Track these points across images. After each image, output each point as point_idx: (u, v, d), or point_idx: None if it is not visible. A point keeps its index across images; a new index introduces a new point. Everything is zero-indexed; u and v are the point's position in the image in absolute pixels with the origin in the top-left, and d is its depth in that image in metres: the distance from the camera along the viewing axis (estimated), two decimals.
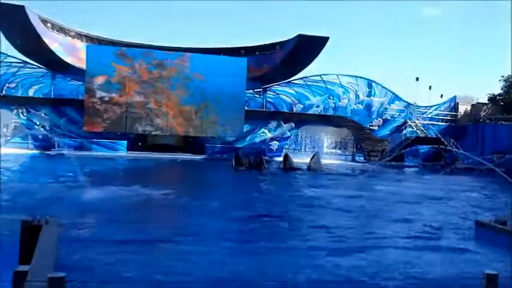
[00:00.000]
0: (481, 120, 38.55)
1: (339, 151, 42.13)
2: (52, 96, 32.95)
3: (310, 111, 36.64)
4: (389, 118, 37.83)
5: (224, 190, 17.18)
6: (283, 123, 36.42)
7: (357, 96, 37.37)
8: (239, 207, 12.97)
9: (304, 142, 39.95)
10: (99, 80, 31.71)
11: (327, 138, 39.03)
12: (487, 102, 40.88)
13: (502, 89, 40.63)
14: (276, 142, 36.31)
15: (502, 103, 39.64)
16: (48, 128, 32.39)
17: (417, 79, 37.82)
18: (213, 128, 33.79)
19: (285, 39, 34.43)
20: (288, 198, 15.64)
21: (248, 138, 35.88)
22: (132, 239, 8.70)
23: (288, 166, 26.53)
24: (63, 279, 3.53)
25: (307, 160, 27.90)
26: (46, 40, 30.86)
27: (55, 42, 32.11)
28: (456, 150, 30.86)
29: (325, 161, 31.23)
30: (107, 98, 31.94)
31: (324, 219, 11.64)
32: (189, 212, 12.25)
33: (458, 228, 11.15)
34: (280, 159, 29.30)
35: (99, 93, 31.75)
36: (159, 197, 14.10)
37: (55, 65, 32.35)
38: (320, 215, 12.39)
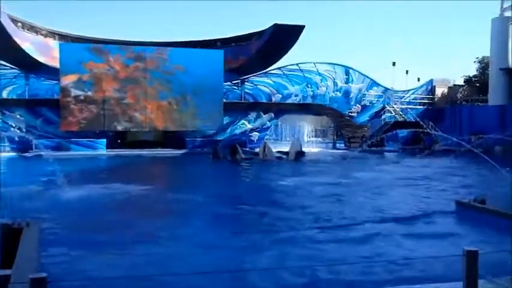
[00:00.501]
0: (457, 102, 39.22)
1: (319, 139, 42.38)
2: (26, 97, 32.39)
3: (289, 101, 36.74)
4: (367, 104, 38.09)
5: (199, 184, 17.08)
6: (262, 114, 36.49)
7: (335, 83, 37.52)
8: (213, 200, 13.02)
9: (284, 132, 40.14)
10: (74, 78, 31.18)
11: (307, 126, 39.03)
12: (463, 84, 41.55)
13: (477, 70, 41.38)
14: (256, 133, 36.33)
15: (477, 84, 40.35)
16: (24, 130, 31.83)
17: (394, 64, 38.19)
18: (192, 121, 33.62)
19: (262, 29, 34.30)
20: (263, 188, 15.69)
21: (228, 130, 35.84)
22: (112, 239, 8.56)
23: (265, 156, 26.57)
24: (45, 279, 3.52)
25: (287, 149, 27.97)
26: (17, 40, 30.23)
27: (26, 42, 31.50)
28: (434, 132, 31.24)
29: (305, 149, 31.25)
30: (82, 97, 31.46)
31: (298, 208, 11.75)
32: (168, 208, 12.22)
33: (439, 209, 11.32)
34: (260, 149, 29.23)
35: (74, 92, 31.25)
36: (139, 193, 14.06)
37: (28, 64, 31.77)
38: (295, 204, 12.46)
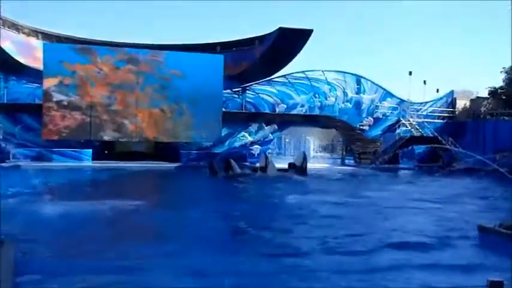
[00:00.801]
0: (481, 116, 38.79)
1: (327, 154, 42.34)
2: (5, 101, 32.32)
3: (294, 112, 36.64)
4: (381, 117, 38.02)
5: (193, 202, 16.69)
6: (264, 125, 36.42)
7: (345, 93, 37.48)
8: (206, 220, 12.85)
9: (288, 145, 40.09)
10: (57, 81, 31.12)
11: (313, 140, 39.22)
12: (488, 96, 41.12)
13: (503, 81, 40.75)
14: (258, 146, 36.22)
15: (503, 97, 39.82)
16: (1, 137, 31.78)
17: (410, 73, 38.03)
18: (187, 132, 33.60)
19: (265, 33, 34.38)
20: (262, 207, 15.54)
21: (227, 142, 35.77)
22: (93, 266, 8.35)
23: (266, 171, 26.34)
24: None
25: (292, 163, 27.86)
26: None
27: (6, 40, 31.47)
28: (455, 149, 31.05)
29: (311, 165, 31.11)
30: (65, 102, 31.41)
31: (301, 230, 11.57)
32: (157, 228, 12.05)
33: (458, 235, 11.10)
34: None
35: (58, 97, 31.22)
36: (128, 211, 13.82)
37: (7, 66, 31.73)
38: (296, 226, 12.23)
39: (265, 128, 36.51)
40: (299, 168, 26.94)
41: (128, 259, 8.51)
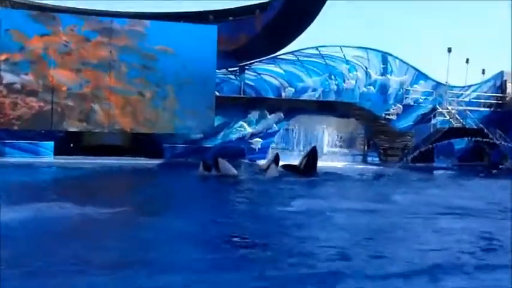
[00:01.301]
0: None
1: (344, 150, 42.01)
2: None
3: (305, 97, 36.41)
4: (412, 104, 37.85)
5: (179, 207, 16.48)
6: (268, 113, 36.32)
7: (368, 75, 37.30)
8: (194, 231, 12.38)
9: (296, 138, 39.90)
10: (7, 57, 30.63)
11: (328, 132, 39.21)
12: None
13: None
14: (259, 139, 36.11)
15: None
16: None
17: (449, 50, 37.59)
18: (172, 121, 33.36)
19: None
20: (264, 216, 15.21)
21: (221, 134, 35.58)
22: None
23: (267, 171, 26.26)
24: None
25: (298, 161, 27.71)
26: None
27: None
28: (505, 144, 31.14)
29: (325, 163, 31.02)
30: (18, 85, 30.87)
31: (310, 247, 10.93)
32: (133, 242, 11.35)
33: (505, 255, 10.56)
34: (263, 161, 29.29)
35: (9, 78, 30.74)
36: (97, 219, 13.25)
37: None
38: (306, 241, 11.61)
39: (269, 116, 36.38)
40: (307, 167, 26.63)
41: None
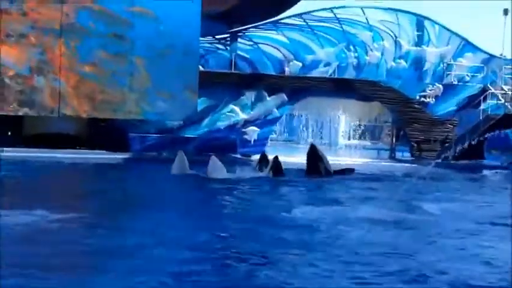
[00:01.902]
0: None
1: (366, 143, 42.08)
2: None
3: (315, 74, 36.29)
4: (455, 83, 37.77)
5: (150, 216, 15.94)
6: (266, 94, 36.05)
7: (398, 45, 37.24)
8: (172, 247, 11.89)
9: (304, 127, 39.82)
10: None
11: (344, 120, 39.20)
12: None
13: None
14: (255, 128, 35.95)
15: None
16: None
17: (505, 12, 37.71)
18: (142, 104, 33.16)
19: None
20: (262, 228, 14.57)
21: (205, 121, 35.45)
22: None
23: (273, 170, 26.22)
24: None
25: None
26: None
27: None
28: None
29: (341, 160, 30.95)
30: None
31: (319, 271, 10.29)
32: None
33: None
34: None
35: None
36: (46, 228, 13.09)
37: None
38: (314, 264, 10.92)
39: (268, 99, 36.11)
40: (312, 166, 26.67)
41: None
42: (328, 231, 14.09)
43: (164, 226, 14.59)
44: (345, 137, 38.64)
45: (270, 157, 27.34)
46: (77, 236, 12.61)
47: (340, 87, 36.43)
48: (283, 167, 26.74)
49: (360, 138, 40.31)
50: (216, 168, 25.16)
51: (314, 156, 26.92)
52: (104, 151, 32.64)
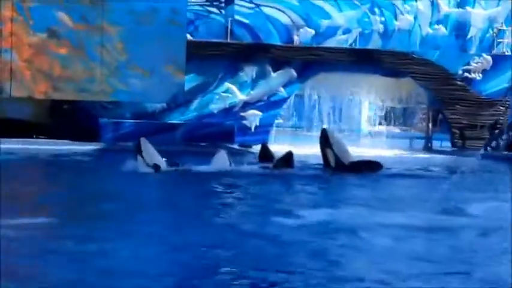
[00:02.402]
0: None
1: (395, 130, 42.22)
2: None
3: (331, 43, 36.38)
4: (508, 53, 37.52)
5: (128, 223, 15.88)
6: (271, 70, 35.91)
7: (436, 6, 37.17)
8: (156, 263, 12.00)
9: (317, 111, 40.00)
10: None
11: (368, 101, 39.30)
12: None
13: None
14: (257, 112, 35.93)
15: None
16: None
17: None
18: (116, 83, 33.43)
19: None
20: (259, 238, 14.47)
21: (194, 104, 35.57)
22: None
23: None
24: None
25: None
26: None
27: None
28: None
29: (364, 151, 30.79)
30: None
31: None
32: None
33: None
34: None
35: None
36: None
37: None
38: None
39: (272, 75, 35.98)
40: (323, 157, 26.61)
41: None
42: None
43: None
44: (369, 122, 38.77)
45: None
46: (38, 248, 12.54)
47: (363, 60, 36.33)
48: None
49: (387, 124, 40.38)
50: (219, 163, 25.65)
51: (324, 143, 26.93)
52: (68, 141, 32.54)
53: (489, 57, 37.28)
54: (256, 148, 32.66)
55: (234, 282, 11.06)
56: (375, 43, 36.93)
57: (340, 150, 26.63)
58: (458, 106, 37.94)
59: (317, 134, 34.64)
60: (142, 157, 25.24)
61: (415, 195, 22.14)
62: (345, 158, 26.51)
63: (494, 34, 37.66)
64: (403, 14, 37.15)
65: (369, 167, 26.90)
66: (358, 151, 29.79)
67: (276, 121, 37.11)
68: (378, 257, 12.73)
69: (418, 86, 39.21)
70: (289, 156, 26.87)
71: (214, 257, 12.68)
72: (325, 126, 36.44)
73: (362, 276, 11.28)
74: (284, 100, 36.96)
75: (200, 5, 35.61)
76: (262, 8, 36.18)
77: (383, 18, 36.96)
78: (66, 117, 34.41)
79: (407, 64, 37.15)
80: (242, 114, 35.98)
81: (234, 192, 22.45)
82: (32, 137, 33.07)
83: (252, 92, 36.24)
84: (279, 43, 36.27)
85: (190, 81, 34.95)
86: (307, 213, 16.69)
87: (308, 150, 29.76)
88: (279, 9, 36.29)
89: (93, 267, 11.36)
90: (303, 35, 36.37)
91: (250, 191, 22.86)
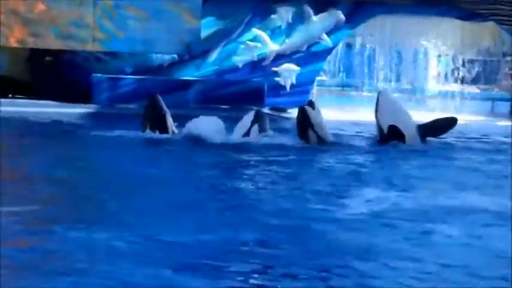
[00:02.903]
0: None
1: (474, 89, 41.62)
2: None
3: None
4: None
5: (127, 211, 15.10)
6: (311, 11, 35.10)
7: None
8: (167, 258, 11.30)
9: (371, 65, 39.44)
10: None
11: (437, 52, 38.59)
12: None
13: None
14: (293, 66, 35.21)
15: None
16: None
17: None
18: (110, 27, 33.58)
19: None
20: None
21: (213, 56, 35.05)
22: None
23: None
24: None
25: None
26: None
27: None
28: None
29: (434, 116, 29.58)
30: None
31: None
32: None
33: None
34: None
35: None
36: None
37: None
38: None
39: (313, 18, 35.28)
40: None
41: None
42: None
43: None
44: (438, 80, 37.90)
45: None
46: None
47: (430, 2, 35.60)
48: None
49: (462, 81, 39.85)
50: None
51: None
52: (51, 101, 32.27)
53: None
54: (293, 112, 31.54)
55: None
56: None
57: (398, 120, 26.08)
58: None
59: (370, 95, 34.21)
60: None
61: (492, 170, 21.42)
62: (408, 127, 25.94)
63: None
64: None
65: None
66: (423, 117, 28.70)
67: (318, 78, 36.66)
68: (455, 253, 11.87)
69: (504, 32, 38.58)
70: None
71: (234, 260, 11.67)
72: (381, 85, 36.77)
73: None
74: (328, 51, 36.39)
75: None
76: None
77: None
78: (48, 72, 34.24)
79: (490, 3, 36.10)
80: (274, 68, 35.40)
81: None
82: (7, 97, 32.77)
83: (287, 41, 35.68)
84: None
85: (207, 26, 34.67)
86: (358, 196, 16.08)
87: (360, 115, 29.08)
88: None
89: None
90: None
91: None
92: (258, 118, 26.17)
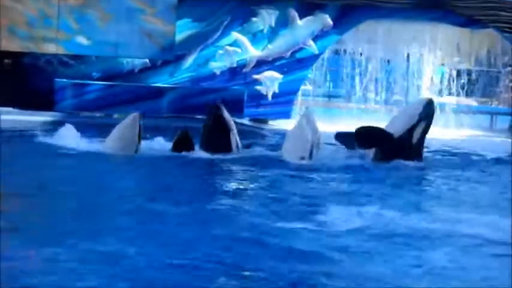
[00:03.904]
0: None
1: (470, 101, 41.73)
2: None
3: None
4: None
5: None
6: (296, 14, 35.06)
7: None
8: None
9: (360, 74, 39.17)
10: None
11: (432, 61, 38.61)
12: None
13: None
14: (275, 74, 35.14)
15: None
16: None
17: None
18: (77, 27, 33.30)
19: None
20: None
21: (189, 61, 34.91)
22: None
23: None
24: None
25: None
26: None
27: None
28: None
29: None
30: None
31: None
32: None
33: None
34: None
35: None
36: None
37: None
38: None
39: (299, 22, 35.17)
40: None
41: None
42: None
43: None
44: (433, 91, 37.77)
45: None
46: None
47: (427, 3, 35.78)
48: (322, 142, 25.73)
49: (459, 94, 39.95)
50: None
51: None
52: (10, 108, 32.11)
53: None
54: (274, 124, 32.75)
55: None
56: None
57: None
58: None
59: (359, 106, 34.03)
60: None
61: (490, 191, 21.29)
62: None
63: None
64: None
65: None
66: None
67: (303, 87, 36.50)
68: None
69: (504, 40, 38.42)
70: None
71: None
72: (371, 96, 37.47)
73: None
74: (314, 58, 36.35)
75: None
76: None
77: None
78: (7, 76, 33.79)
79: (490, 9, 36.18)
80: (255, 76, 35.30)
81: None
82: None
83: (269, 46, 35.61)
84: None
85: (182, 28, 34.69)
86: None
87: (346, 127, 28.21)
88: None
89: None
90: None
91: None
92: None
